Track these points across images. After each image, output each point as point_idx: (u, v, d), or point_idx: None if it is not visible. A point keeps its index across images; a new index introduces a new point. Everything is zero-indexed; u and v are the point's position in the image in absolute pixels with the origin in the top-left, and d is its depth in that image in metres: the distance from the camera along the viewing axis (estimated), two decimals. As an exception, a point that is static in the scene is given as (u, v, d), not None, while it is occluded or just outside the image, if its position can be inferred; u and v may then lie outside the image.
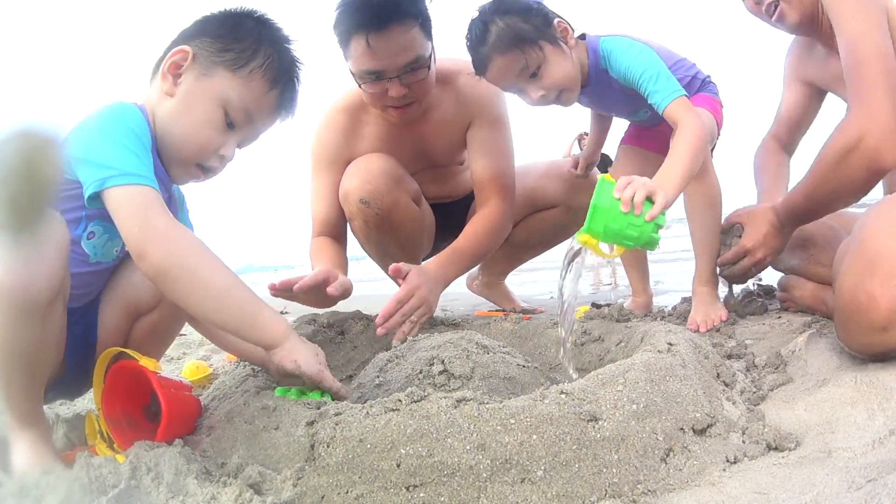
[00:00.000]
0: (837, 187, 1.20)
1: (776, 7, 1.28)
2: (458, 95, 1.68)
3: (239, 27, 0.97)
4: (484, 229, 1.63)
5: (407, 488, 0.69)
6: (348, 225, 1.77)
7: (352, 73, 1.51)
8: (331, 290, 1.27)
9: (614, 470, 0.70)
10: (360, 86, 1.53)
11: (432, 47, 1.52)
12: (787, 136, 1.68)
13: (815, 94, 1.60)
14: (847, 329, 0.90)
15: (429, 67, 1.52)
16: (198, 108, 0.95)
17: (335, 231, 1.71)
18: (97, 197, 0.83)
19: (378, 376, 1.03)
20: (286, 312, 3.92)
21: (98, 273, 0.99)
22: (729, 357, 1.15)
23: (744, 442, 0.78)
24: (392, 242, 1.74)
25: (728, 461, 0.74)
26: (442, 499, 0.68)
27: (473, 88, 1.68)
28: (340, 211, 1.70)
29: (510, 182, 1.70)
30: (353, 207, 1.64)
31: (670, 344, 0.91)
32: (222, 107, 0.96)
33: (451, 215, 1.93)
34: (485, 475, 0.68)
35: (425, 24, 1.47)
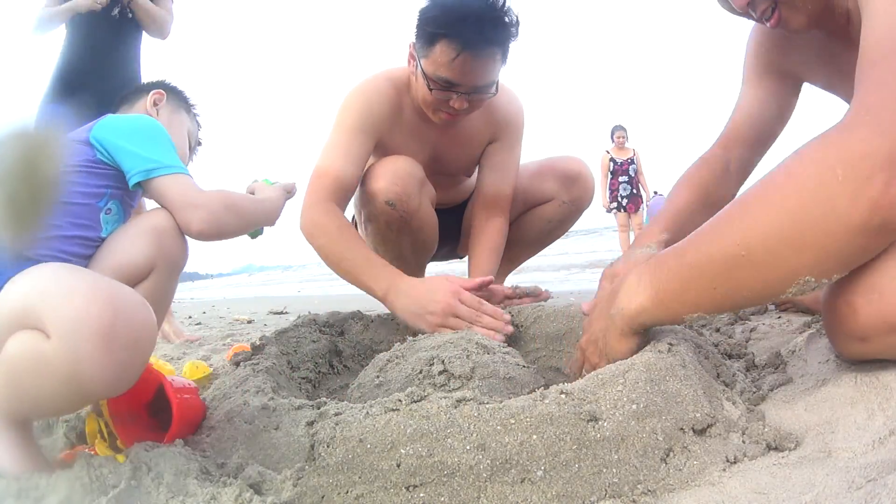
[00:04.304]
0: (790, 246, 0.68)
1: (774, 11, 0.99)
2: (487, 111, 1.69)
3: (176, 88, 1.44)
4: (498, 245, 1.77)
5: (407, 488, 0.69)
6: (357, 227, 1.76)
7: (423, 70, 1.49)
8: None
9: (614, 470, 0.70)
10: (427, 86, 1.51)
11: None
12: (743, 149, 1.22)
13: (791, 91, 1.20)
14: (830, 336, 0.89)
15: (495, 91, 1.55)
16: (175, 134, 1.32)
17: (344, 195, 1.59)
18: (140, 183, 1.07)
19: (378, 376, 1.03)
20: (286, 312, 3.92)
21: (97, 247, 1.07)
22: (729, 357, 1.15)
23: (744, 442, 0.77)
24: (408, 245, 1.73)
25: (728, 461, 0.74)
26: (442, 499, 0.68)
27: (504, 106, 1.71)
28: (357, 177, 1.61)
29: (511, 199, 1.81)
30: (377, 209, 1.60)
31: (670, 344, 0.90)
32: (187, 135, 1.42)
33: (447, 221, 1.93)
34: (485, 475, 0.68)
35: (506, 53, 1.49)
